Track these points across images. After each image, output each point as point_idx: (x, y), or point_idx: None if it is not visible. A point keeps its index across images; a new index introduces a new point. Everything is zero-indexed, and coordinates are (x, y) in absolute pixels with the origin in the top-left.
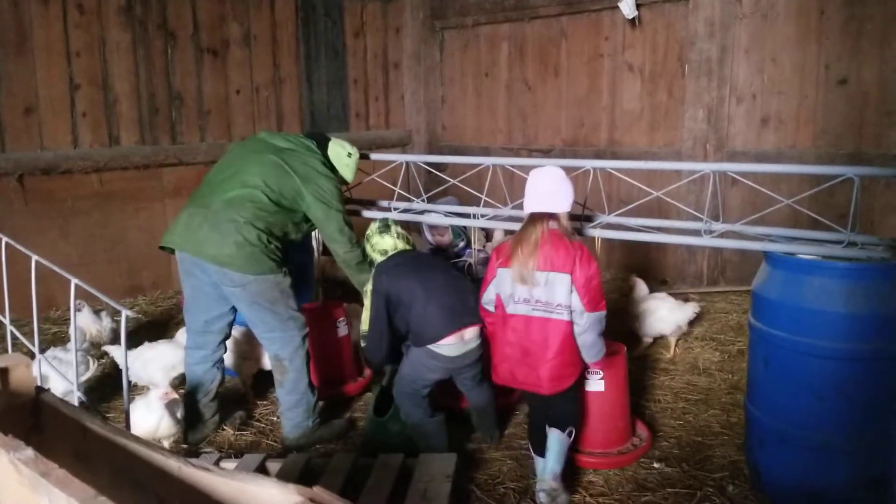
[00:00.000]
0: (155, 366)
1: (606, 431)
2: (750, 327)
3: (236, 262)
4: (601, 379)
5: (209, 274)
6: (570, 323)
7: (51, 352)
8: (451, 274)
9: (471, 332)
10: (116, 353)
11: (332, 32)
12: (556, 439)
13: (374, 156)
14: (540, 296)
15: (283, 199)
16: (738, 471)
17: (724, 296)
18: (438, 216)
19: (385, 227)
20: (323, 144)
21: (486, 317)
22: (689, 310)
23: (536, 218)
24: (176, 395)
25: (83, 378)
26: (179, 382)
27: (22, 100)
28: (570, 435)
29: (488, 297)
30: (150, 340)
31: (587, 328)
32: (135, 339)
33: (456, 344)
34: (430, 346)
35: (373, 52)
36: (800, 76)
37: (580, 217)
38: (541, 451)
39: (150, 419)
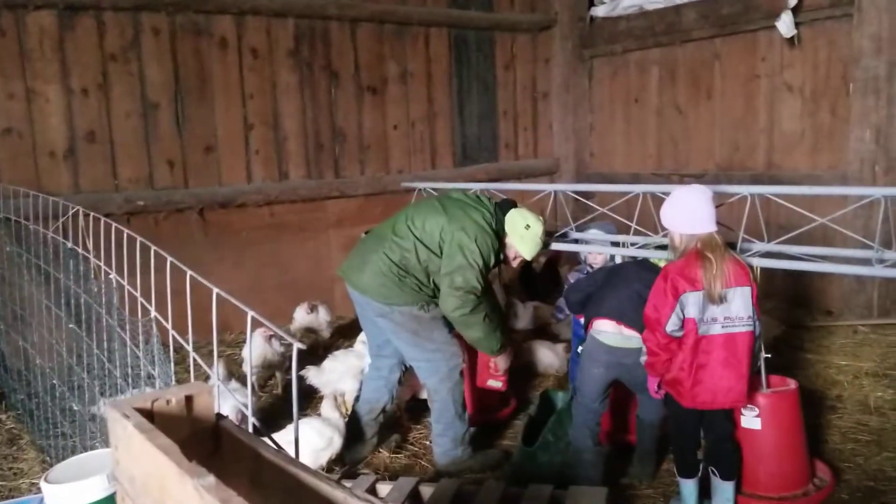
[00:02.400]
0: (340, 374)
1: (770, 474)
2: None
3: (376, 292)
4: (757, 416)
5: (360, 302)
6: (753, 333)
7: (220, 380)
8: (639, 288)
9: (631, 331)
10: (311, 374)
11: (483, 66)
12: (729, 489)
13: (521, 186)
14: (730, 312)
15: (426, 235)
16: None
17: None
18: (589, 245)
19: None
20: (504, 209)
21: (670, 343)
22: None
23: (708, 237)
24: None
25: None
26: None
27: (203, 140)
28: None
29: (674, 325)
30: (316, 364)
31: (760, 335)
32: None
33: (614, 333)
34: (592, 332)
35: (522, 84)
36: None
37: (733, 245)
38: (690, 473)
39: (317, 442)
